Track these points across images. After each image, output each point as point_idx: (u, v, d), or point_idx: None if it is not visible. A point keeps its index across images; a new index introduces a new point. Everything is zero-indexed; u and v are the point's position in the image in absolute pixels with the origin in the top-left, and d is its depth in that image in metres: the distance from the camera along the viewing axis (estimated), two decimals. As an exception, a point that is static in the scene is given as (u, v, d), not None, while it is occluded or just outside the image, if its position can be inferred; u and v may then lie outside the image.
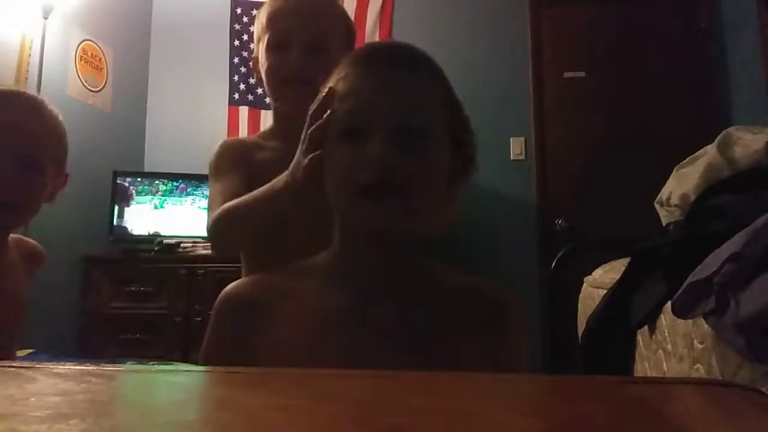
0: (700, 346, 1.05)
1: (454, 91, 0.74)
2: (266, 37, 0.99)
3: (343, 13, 1.07)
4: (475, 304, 0.71)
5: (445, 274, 0.75)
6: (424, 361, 0.62)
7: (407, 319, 0.67)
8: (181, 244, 2.98)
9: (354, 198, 0.66)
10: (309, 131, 0.70)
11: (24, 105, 0.97)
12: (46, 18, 2.65)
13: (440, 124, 0.70)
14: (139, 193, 3.13)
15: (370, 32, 3.43)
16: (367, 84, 0.68)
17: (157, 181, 3.18)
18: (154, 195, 3.15)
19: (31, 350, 2.09)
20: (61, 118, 1.01)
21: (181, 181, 3.18)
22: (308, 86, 0.82)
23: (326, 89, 0.71)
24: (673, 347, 1.18)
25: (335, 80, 0.71)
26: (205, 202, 3.17)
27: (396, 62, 0.70)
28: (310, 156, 0.69)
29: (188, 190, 3.19)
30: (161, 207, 3.14)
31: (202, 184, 3.13)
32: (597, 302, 1.54)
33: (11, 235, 1.02)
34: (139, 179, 3.18)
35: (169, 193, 3.17)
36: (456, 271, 0.75)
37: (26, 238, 1.10)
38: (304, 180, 0.71)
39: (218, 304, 0.71)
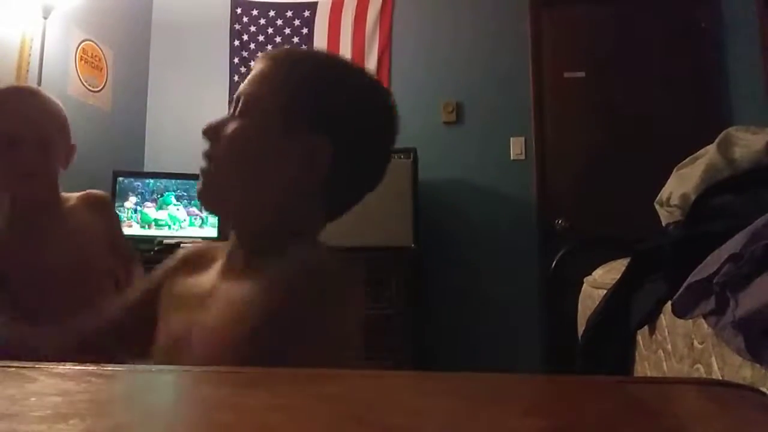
0: (700, 346, 1.05)
1: (309, 81, 0.73)
2: None
3: None
4: (294, 270, 0.68)
5: (303, 254, 0.71)
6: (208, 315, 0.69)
7: (238, 290, 0.69)
8: (181, 244, 2.98)
9: None
10: None
11: (33, 98, 1.20)
12: (46, 18, 2.65)
13: (268, 116, 0.72)
14: (139, 193, 3.13)
15: (370, 32, 3.44)
16: None
17: (157, 181, 3.18)
18: (154, 195, 3.15)
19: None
20: (60, 105, 1.26)
21: (181, 181, 3.18)
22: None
23: None
24: (673, 347, 1.18)
25: None
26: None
27: None
28: None
29: (188, 190, 3.19)
30: (161, 207, 3.14)
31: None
32: (597, 302, 1.54)
33: (78, 194, 1.27)
34: (139, 179, 3.18)
35: (169, 193, 3.17)
36: (326, 253, 0.73)
37: (93, 191, 1.31)
38: None
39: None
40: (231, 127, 0.72)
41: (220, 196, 0.73)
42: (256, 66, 0.76)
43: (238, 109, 0.73)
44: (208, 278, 0.76)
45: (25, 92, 1.22)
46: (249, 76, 0.75)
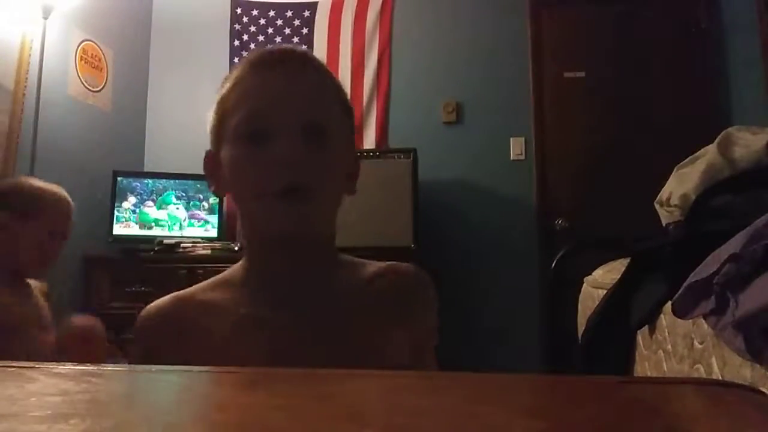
0: (700, 346, 1.05)
1: (347, 96, 0.75)
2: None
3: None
4: (388, 283, 0.73)
5: (358, 265, 0.76)
6: (349, 353, 0.65)
7: (328, 317, 0.67)
8: (181, 244, 2.98)
9: (263, 202, 0.65)
10: None
11: (65, 200, 1.47)
12: (46, 18, 2.65)
13: (340, 126, 0.70)
14: (139, 193, 3.13)
15: (370, 32, 3.44)
16: (269, 84, 0.67)
17: (157, 181, 3.18)
18: (153, 195, 3.15)
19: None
20: None
21: (180, 181, 3.18)
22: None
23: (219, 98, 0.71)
24: (673, 347, 1.18)
25: (229, 85, 0.71)
26: (205, 202, 3.18)
27: (294, 64, 0.69)
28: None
29: (188, 190, 3.19)
30: (161, 207, 3.14)
31: (202, 184, 3.13)
32: (597, 302, 1.54)
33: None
34: (139, 179, 3.18)
35: (169, 193, 3.17)
36: (367, 261, 0.77)
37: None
38: None
39: (138, 321, 0.70)
40: (325, 156, 0.66)
41: (321, 223, 0.69)
42: (301, 71, 0.68)
43: (316, 131, 0.66)
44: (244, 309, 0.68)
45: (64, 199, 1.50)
46: (300, 84, 0.67)
